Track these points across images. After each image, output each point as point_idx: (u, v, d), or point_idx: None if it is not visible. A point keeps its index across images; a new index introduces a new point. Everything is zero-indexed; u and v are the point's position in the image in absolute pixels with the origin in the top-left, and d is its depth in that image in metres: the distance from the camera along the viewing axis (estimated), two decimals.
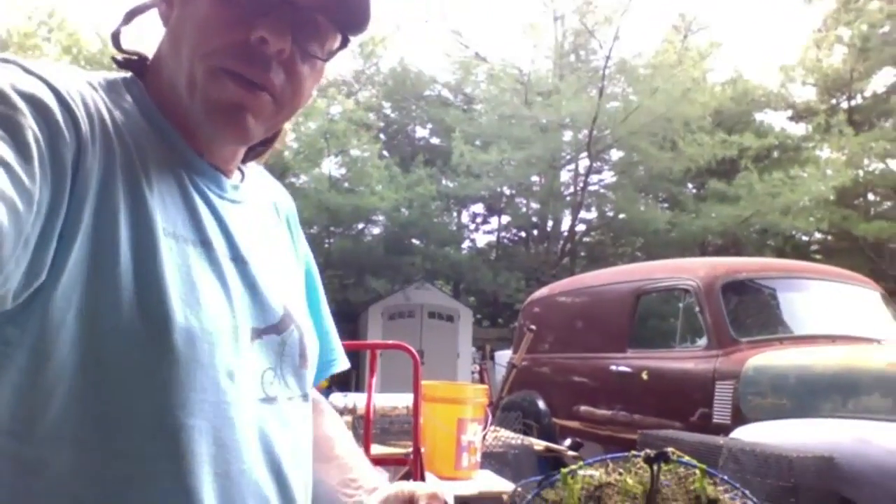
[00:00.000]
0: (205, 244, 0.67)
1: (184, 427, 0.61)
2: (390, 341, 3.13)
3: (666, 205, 19.16)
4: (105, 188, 0.60)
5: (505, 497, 2.25)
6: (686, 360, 4.01)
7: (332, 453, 0.81)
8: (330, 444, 0.85)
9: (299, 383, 0.76)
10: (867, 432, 2.74)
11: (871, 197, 18.38)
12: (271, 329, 0.72)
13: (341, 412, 2.85)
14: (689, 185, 19.20)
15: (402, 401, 2.84)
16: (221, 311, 0.66)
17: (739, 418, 3.33)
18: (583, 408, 4.81)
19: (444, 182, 17.74)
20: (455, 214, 20.55)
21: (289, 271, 0.82)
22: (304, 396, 0.77)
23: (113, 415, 0.59)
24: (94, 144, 0.60)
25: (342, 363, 0.95)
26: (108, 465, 0.59)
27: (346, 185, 16.64)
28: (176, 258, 0.63)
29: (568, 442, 3.99)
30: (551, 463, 3.40)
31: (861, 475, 2.53)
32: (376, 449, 2.49)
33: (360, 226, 18.15)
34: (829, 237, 18.19)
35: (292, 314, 0.76)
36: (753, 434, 3.03)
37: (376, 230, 18.48)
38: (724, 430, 3.26)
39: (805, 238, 18.36)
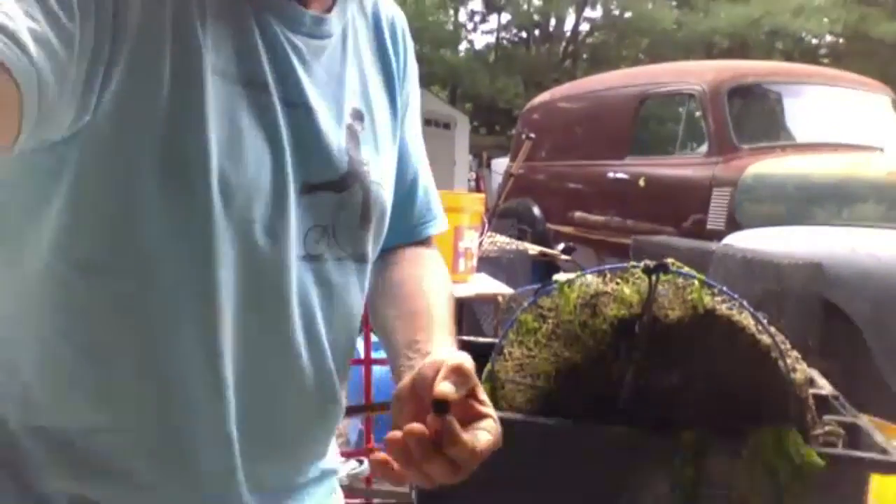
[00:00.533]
0: (258, 86, 0.61)
1: (211, 278, 0.59)
2: None
3: (674, 3, 18.20)
4: (151, 17, 0.54)
5: (500, 298, 2.33)
6: (685, 166, 4.00)
7: (413, 309, 0.74)
8: (415, 302, 0.76)
9: (354, 244, 0.71)
10: (856, 239, 2.79)
11: None
12: (327, 185, 0.66)
13: None
14: None
15: None
16: (264, 163, 0.61)
17: (734, 225, 3.38)
18: (577, 214, 4.87)
19: None
20: (451, 12, 19.44)
21: (378, 121, 0.74)
22: (361, 257, 0.72)
23: (144, 251, 0.57)
24: None
25: (439, 224, 0.87)
26: (142, 297, 0.59)
27: None
28: (222, 99, 0.58)
29: (561, 246, 4.08)
30: (545, 266, 3.51)
31: (845, 280, 2.62)
32: None
33: None
34: (841, 40, 17.44)
35: (361, 172, 0.69)
36: (745, 240, 3.09)
37: None
38: (718, 236, 3.33)
39: (815, 41, 17.64)
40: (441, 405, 0.49)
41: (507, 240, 3.51)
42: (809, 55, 16.16)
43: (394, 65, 0.78)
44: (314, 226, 0.67)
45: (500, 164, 9.84)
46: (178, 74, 0.55)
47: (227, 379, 0.62)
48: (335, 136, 0.67)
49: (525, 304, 1.11)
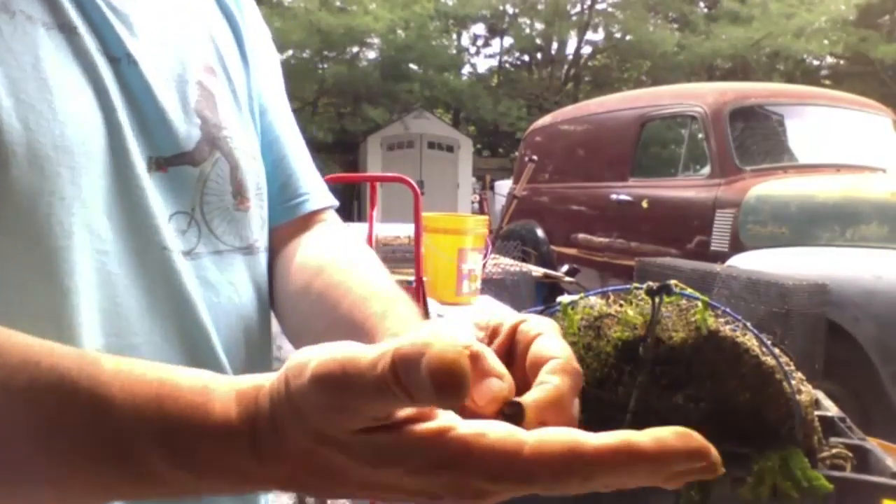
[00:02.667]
0: (66, 29, 0.47)
1: (57, 288, 0.44)
2: (389, 174, 3.10)
3: (676, 25, 18.38)
4: None
5: None
6: (688, 188, 4.00)
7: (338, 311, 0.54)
8: (338, 295, 0.56)
9: (236, 231, 0.57)
10: (860, 260, 2.79)
11: None
12: (181, 158, 0.52)
13: None
14: (701, 4, 18.27)
15: (403, 231, 2.86)
16: (92, 123, 0.47)
17: (737, 246, 3.38)
18: (581, 236, 4.88)
19: None
20: (454, 36, 19.63)
21: (236, 80, 0.61)
22: (248, 249, 0.58)
23: None
24: None
25: (316, 201, 0.67)
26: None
27: (338, 3, 15.74)
28: (13, 40, 0.43)
29: (565, 268, 4.08)
30: (548, 288, 3.50)
31: (850, 301, 2.61)
32: None
33: (355, 50, 17.40)
34: (842, 61, 17.56)
35: (220, 137, 0.55)
36: (749, 262, 3.09)
37: (372, 54, 17.75)
38: (722, 257, 3.32)
39: (816, 62, 17.75)
40: (515, 410, 0.31)
41: (511, 262, 3.51)
42: (810, 77, 16.25)
43: (239, 21, 0.65)
44: (176, 213, 0.52)
45: (504, 186, 9.88)
46: None
47: None
48: (175, 92, 0.53)
49: None
